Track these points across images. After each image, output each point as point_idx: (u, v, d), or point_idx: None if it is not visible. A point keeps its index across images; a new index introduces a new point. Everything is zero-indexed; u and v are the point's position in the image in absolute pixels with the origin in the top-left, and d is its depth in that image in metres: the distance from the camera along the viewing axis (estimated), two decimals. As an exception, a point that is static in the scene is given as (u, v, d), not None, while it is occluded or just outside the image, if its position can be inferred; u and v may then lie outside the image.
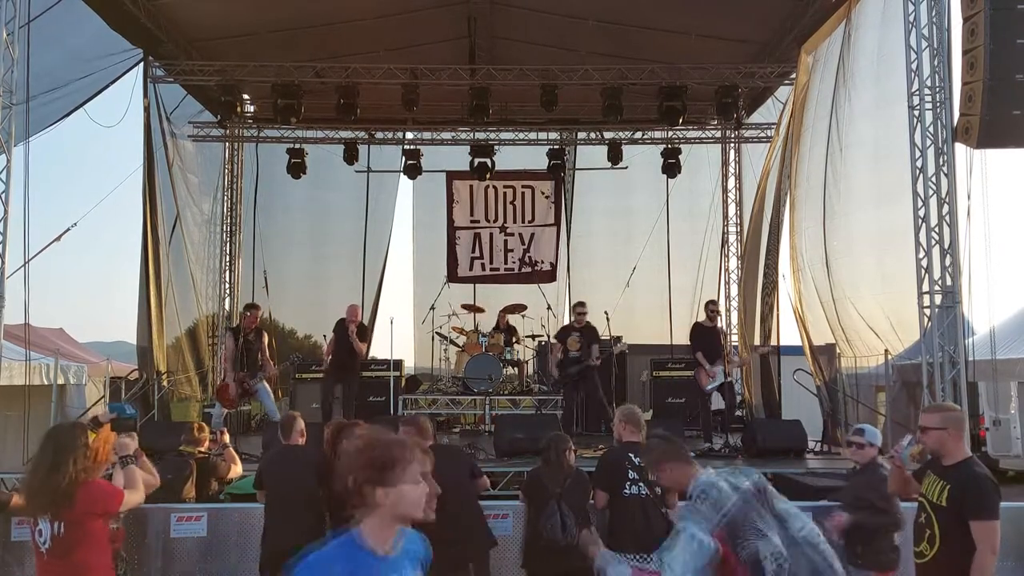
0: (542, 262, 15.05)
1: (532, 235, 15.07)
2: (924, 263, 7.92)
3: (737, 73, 11.81)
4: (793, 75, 11.21)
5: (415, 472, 2.21)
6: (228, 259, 14.69)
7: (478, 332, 12.25)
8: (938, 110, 7.87)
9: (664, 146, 14.12)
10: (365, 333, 10.51)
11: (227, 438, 6.47)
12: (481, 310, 13.51)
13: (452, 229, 15.06)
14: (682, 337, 13.90)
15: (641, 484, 4.71)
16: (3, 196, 7.76)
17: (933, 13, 7.89)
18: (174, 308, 12.36)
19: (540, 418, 9.70)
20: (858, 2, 9.73)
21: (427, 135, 14.94)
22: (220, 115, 12.66)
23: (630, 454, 4.82)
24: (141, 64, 11.19)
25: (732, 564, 2.96)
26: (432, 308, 13.08)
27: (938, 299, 7.83)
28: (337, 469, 2.32)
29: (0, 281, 7.62)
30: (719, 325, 9.81)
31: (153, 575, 5.29)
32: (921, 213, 7.92)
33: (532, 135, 14.80)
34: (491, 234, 15.09)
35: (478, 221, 15.10)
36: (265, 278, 14.43)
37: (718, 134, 14.83)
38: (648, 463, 3.68)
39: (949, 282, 7.79)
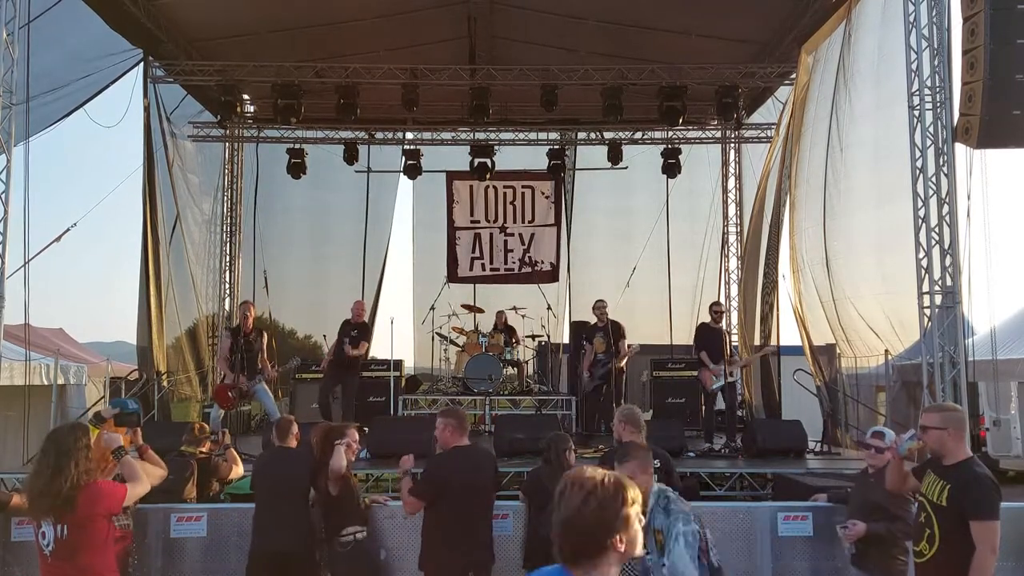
0: (542, 262, 15.05)
1: (532, 235, 15.07)
2: (924, 263, 7.91)
3: (737, 73, 11.80)
4: (793, 75, 11.21)
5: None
6: (228, 259, 14.69)
7: (478, 332, 12.25)
8: (938, 110, 7.86)
9: (664, 146, 14.12)
10: (367, 332, 10.48)
11: (229, 439, 6.48)
12: (481, 310, 13.51)
13: (452, 229, 15.06)
14: (682, 337, 13.96)
15: None
16: (3, 196, 7.75)
17: (933, 13, 7.89)
18: (174, 308, 12.35)
19: (540, 418, 9.71)
20: (858, 2, 9.72)
21: (427, 135, 14.95)
22: (220, 115, 12.64)
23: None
24: (141, 64, 11.17)
25: None
26: (432, 308, 13.10)
27: (938, 299, 7.83)
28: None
29: (0, 281, 7.61)
30: (723, 326, 9.80)
31: (153, 575, 5.29)
32: (921, 213, 7.91)
33: (532, 135, 14.80)
34: (491, 234, 15.09)
35: (478, 221, 15.10)
36: (265, 278, 14.43)
37: (718, 134, 14.83)
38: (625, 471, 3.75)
39: (949, 282, 7.78)
